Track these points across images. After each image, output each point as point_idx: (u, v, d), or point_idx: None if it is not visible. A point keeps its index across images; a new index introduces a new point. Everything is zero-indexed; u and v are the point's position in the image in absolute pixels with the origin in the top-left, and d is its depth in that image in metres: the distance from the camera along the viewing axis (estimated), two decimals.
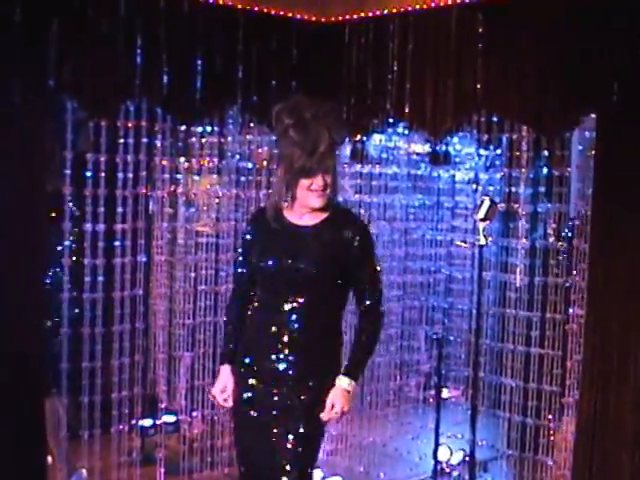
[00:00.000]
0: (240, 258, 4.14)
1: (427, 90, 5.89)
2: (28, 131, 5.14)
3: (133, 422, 6.02)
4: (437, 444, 5.89)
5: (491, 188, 6.71)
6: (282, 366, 3.86)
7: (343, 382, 3.87)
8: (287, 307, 3.85)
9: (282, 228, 3.94)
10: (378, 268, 4.03)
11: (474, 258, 6.63)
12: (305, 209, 3.91)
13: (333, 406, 3.85)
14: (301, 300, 3.85)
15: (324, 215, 3.92)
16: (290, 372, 3.86)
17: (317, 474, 6.12)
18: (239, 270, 4.13)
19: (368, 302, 3.95)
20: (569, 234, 5.72)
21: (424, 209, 7.21)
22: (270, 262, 3.89)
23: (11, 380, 5.16)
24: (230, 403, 4.04)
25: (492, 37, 5.55)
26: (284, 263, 3.86)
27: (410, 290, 7.16)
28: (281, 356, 3.86)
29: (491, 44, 5.54)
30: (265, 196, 6.26)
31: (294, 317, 3.85)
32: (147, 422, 6.28)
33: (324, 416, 3.86)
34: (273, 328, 3.88)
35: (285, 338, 3.86)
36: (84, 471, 5.63)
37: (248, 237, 4.08)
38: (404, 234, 7.08)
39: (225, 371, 4.06)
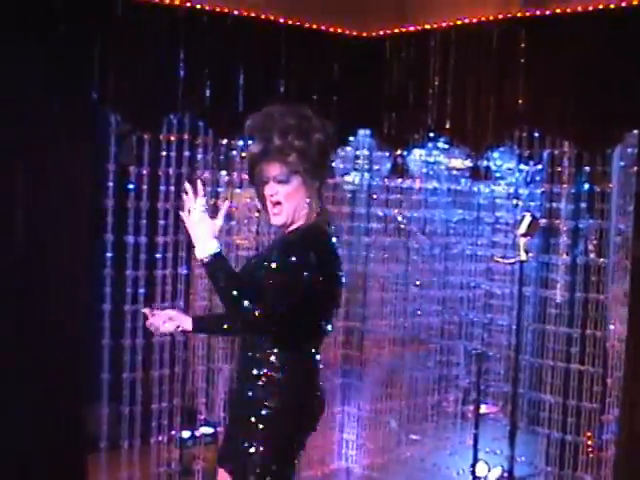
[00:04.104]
0: None
1: (468, 105, 5.90)
2: (72, 144, 5.21)
3: (172, 433, 6.04)
4: (475, 460, 5.85)
5: (532, 204, 6.69)
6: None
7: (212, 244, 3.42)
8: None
9: None
10: (277, 284, 3.41)
11: (514, 274, 6.60)
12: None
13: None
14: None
15: (295, 226, 3.67)
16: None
17: None
18: None
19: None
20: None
21: (464, 224, 7.20)
22: None
23: (54, 388, 5.24)
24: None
25: (534, 52, 5.55)
26: None
27: (449, 305, 7.14)
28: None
29: (533, 59, 5.55)
30: None
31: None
32: (186, 434, 6.30)
33: None
34: None
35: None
36: None
37: None
38: (444, 249, 7.07)
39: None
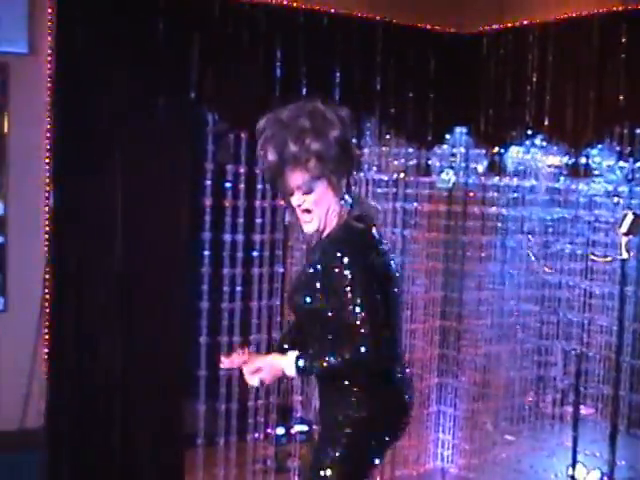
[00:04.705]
0: None
1: (567, 102, 5.81)
2: (170, 143, 5.28)
3: (268, 431, 6.07)
4: (574, 462, 5.76)
5: (633, 201, 6.55)
6: None
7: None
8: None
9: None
10: (359, 310, 3.16)
11: (613, 273, 6.48)
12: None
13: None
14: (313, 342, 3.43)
15: (327, 231, 3.42)
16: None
17: None
18: None
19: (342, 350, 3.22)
20: None
21: (562, 222, 7.08)
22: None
23: (153, 385, 5.32)
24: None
25: (636, 47, 5.43)
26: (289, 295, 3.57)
27: (547, 304, 7.04)
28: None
29: (635, 54, 5.43)
30: (401, 207, 6.31)
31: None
32: (280, 431, 6.32)
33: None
34: None
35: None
36: None
37: None
38: (542, 248, 6.98)
39: None
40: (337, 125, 3.31)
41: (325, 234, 3.42)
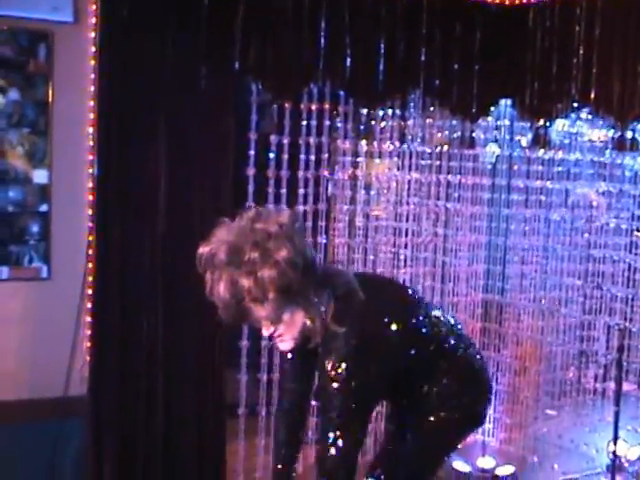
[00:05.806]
0: None
1: (615, 75, 5.72)
2: (215, 113, 5.27)
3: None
4: (616, 438, 5.73)
5: None
6: None
7: None
8: None
9: None
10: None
11: None
12: None
13: None
14: None
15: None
16: None
17: (490, 462, 6.09)
18: None
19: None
20: None
21: (608, 197, 7.02)
22: None
23: (195, 355, 5.35)
24: None
25: None
26: None
27: (590, 279, 6.98)
28: None
29: None
30: (445, 180, 6.30)
31: None
32: None
33: None
34: None
35: None
36: None
37: None
38: (587, 222, 6.92)
39: None
40: (283, 241, 2.95)
41: (320, 344, 3.16)
